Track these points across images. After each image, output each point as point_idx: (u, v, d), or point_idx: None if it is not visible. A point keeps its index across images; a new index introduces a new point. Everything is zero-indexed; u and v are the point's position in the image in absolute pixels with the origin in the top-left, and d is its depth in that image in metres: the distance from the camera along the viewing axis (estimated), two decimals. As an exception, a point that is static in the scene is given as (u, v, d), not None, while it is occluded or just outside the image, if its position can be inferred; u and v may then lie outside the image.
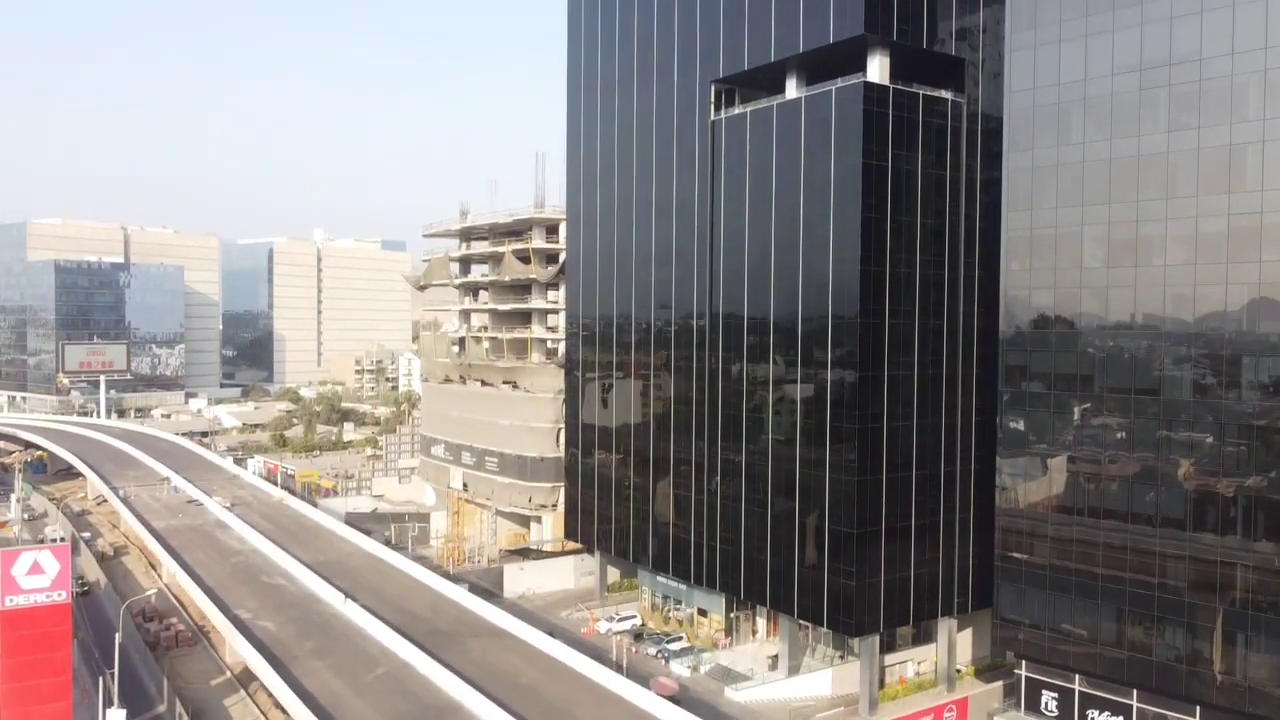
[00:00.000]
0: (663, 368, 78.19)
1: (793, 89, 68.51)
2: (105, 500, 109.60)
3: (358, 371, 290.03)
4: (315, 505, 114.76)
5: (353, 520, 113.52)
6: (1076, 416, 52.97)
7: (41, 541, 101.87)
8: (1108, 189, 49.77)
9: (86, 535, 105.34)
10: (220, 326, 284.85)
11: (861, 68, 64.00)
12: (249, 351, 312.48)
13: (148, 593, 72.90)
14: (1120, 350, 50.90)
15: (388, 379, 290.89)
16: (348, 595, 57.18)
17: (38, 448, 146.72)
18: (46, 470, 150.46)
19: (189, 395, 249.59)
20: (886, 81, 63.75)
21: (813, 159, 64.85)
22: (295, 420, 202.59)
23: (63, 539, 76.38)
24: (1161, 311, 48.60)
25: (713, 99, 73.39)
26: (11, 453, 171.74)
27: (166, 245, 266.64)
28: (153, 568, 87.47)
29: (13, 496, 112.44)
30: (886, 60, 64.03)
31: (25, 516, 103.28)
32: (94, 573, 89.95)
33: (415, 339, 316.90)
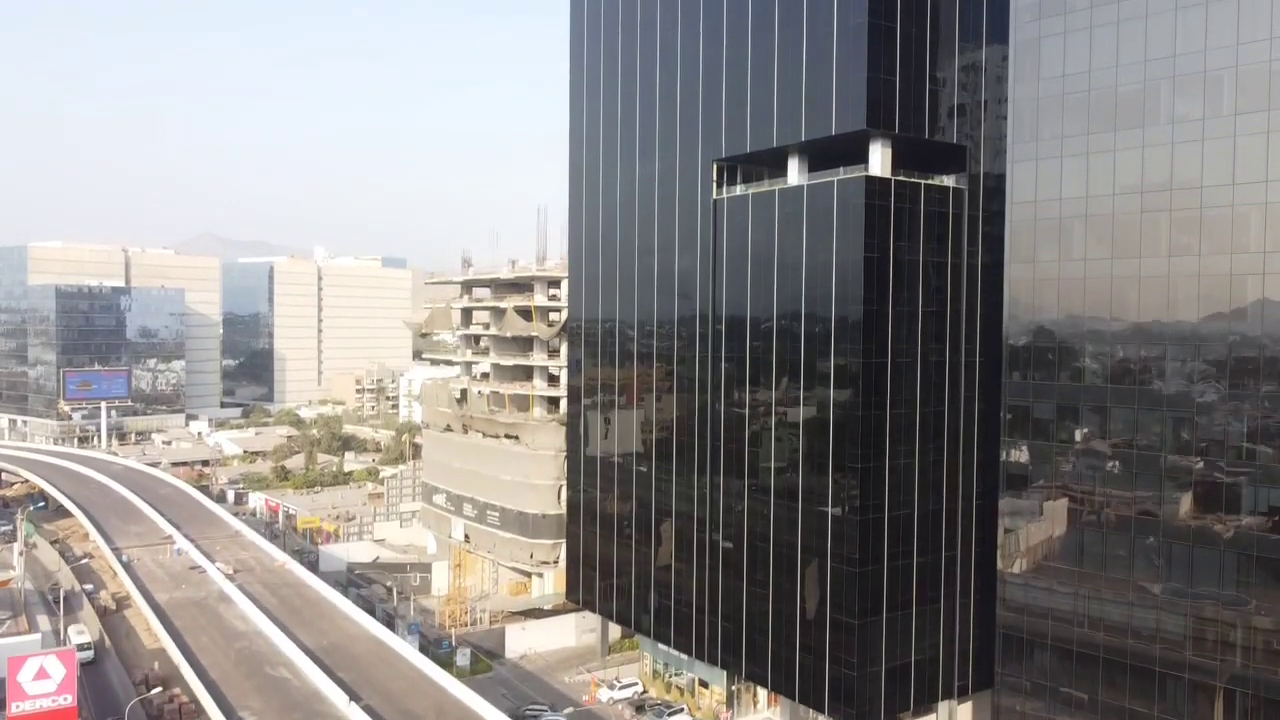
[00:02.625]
0: (663, 448, 78.35)
1: (794, 171, 68.89)
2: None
3: (358, 391, 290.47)
4: (317, 564, 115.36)
5: (355, 571, 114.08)
6: (1073, 518, 53.26)
7: (51, 589, 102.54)
8: (1109, 306, 50.06)
9: (89, 587, 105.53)
10: (220, 348, 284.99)
11: (864, 153, 64.39)
12: (249, 369, 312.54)
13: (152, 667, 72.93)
14: (1117, 466, 51.12)
15: (388, 398, 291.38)
16: (352, 697, 57.45)
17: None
18: (48, 506, 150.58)
19: (190, 417, 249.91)
20: (888, 171, 64.10)
21: (814, 247, 65.16)
22: (296, 448, 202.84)
23: (86, 645, 77.04)
24: (1160, 437, 48.85)
25: (714, 177, 73.71)
26: (14, 484, 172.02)
27: (167, 266, 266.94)
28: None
29: (14, 547, 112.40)
30: (888, 151, 64.36)
31: (26, 581, 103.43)
32: (95, 627, 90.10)
33: (415, 355, 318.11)
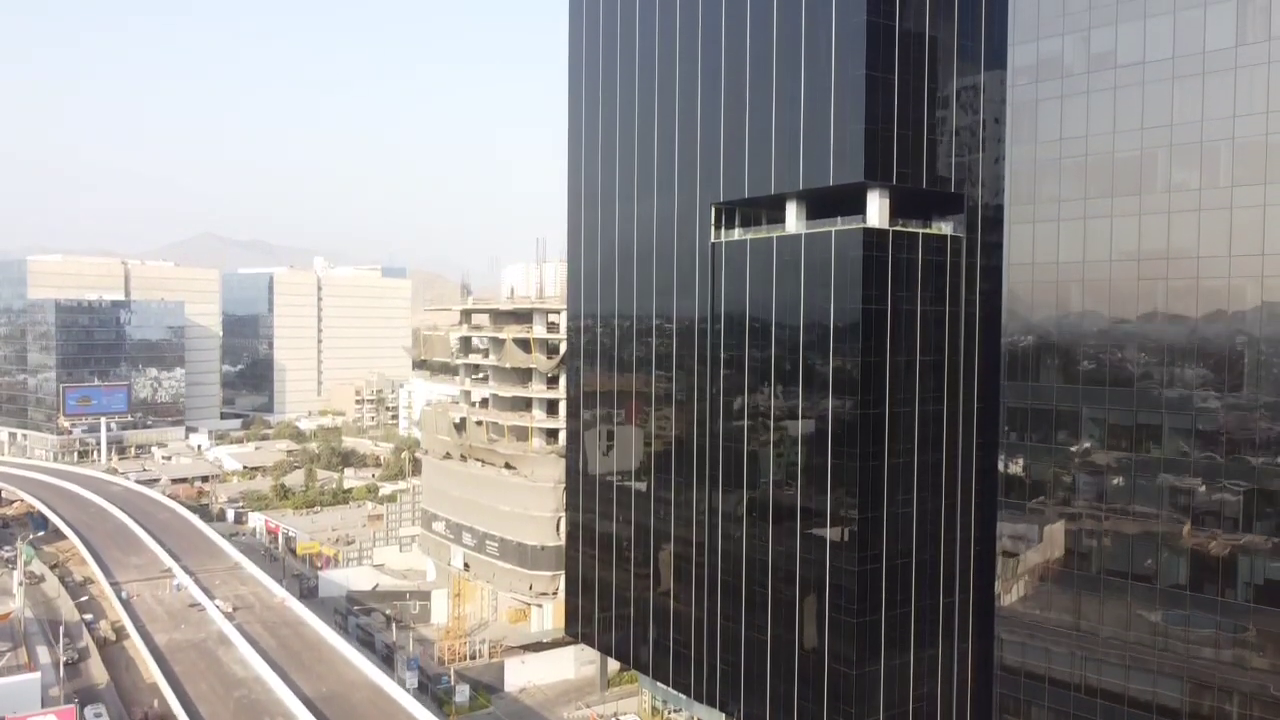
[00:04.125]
0: (661, 495, 78.35)
1: (792, 217, 68.90)
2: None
3: (358, 401, 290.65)
4: (316, 590, 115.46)
5: (354, 599, 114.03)
6: (1066, 580, 53.34)
7: (54, 625, 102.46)
8: (1106, 371, 50.11)
9: (88, 617, 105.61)
10: (220, 359, 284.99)
11: (862, 199, 64.42)
12: (249, 379, 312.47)
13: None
14: (1114, 534, 51.19)
15: (388, 408, 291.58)
16: None
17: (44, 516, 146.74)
18: (47, 527, 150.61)
19: (190, 430, 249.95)
20: (886, 222, 64.13)
21: (812, 295, 65.21)
22: (296, 464, 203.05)
23: (101, 714, 76.38)
24: (1157, 508, 48.90)
25: (713, 220, 73.75)
26: (14, 501, 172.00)
27: (167, 279, 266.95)
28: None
29: (14, 575, 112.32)
30: (886, 201, 64.40)
31: (27, 609, 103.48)
32: (97, 667, 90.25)
33: (415, 364, 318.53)
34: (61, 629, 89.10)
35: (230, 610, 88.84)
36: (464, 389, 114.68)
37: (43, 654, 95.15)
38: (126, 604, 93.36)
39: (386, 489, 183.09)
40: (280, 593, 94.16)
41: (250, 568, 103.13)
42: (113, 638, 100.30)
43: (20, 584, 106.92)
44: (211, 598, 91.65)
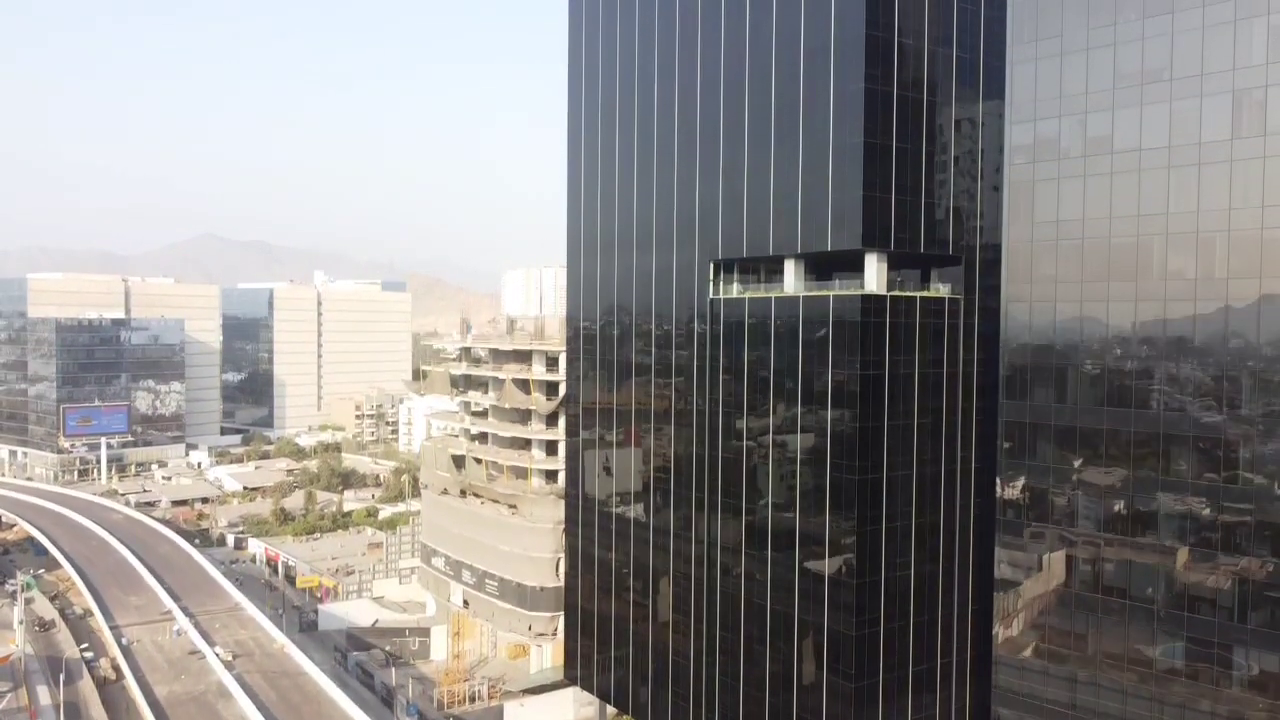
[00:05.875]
0: (661, 559, 78.45)
1: (791, 276, 68.92)
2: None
3: (358, 416, 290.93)
4: (316, 624, 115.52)
5: (354, 636, 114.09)
6: (1060, 662, 53.49)
7: (54, 662, 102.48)
8: (1102, 458, 50.25)
9: (88, 655, 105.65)
10: (220, 375, 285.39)
11: (860, 259, 64.51)
12: (249, 392, 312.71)
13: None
14: (1112, 608, 51.35)
15: (388, 423, 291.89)
16: None
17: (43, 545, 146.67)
18: (47, 553, 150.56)
19: (190, 447, 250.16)
20: (884, 286, 64.18)
21: (810, 360, 65.35)
22: (296, 484, 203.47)
23: None
24: (1152, 592, 49.06)
25: (711, 275, 73.87)
26: (14, 525, 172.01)
27: (167, 296, 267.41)
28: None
29: (15, 611, 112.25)
30: (884, 265, 64.50)
31: (27, 645, 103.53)
32: (97, 709, 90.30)
33: (415, 377, 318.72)
34: (63, 675, 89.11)
35: (230, 658, 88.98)
36: (464, 426, 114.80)
37: (43, 694, 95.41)
38: (127, 651, 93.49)
39: (386, 511, 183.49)
40: (280, 638, 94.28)
41: (250, 609, 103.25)
42: (113, 677, 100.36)
43: (20, 622, 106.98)
44: (211, 644, 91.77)
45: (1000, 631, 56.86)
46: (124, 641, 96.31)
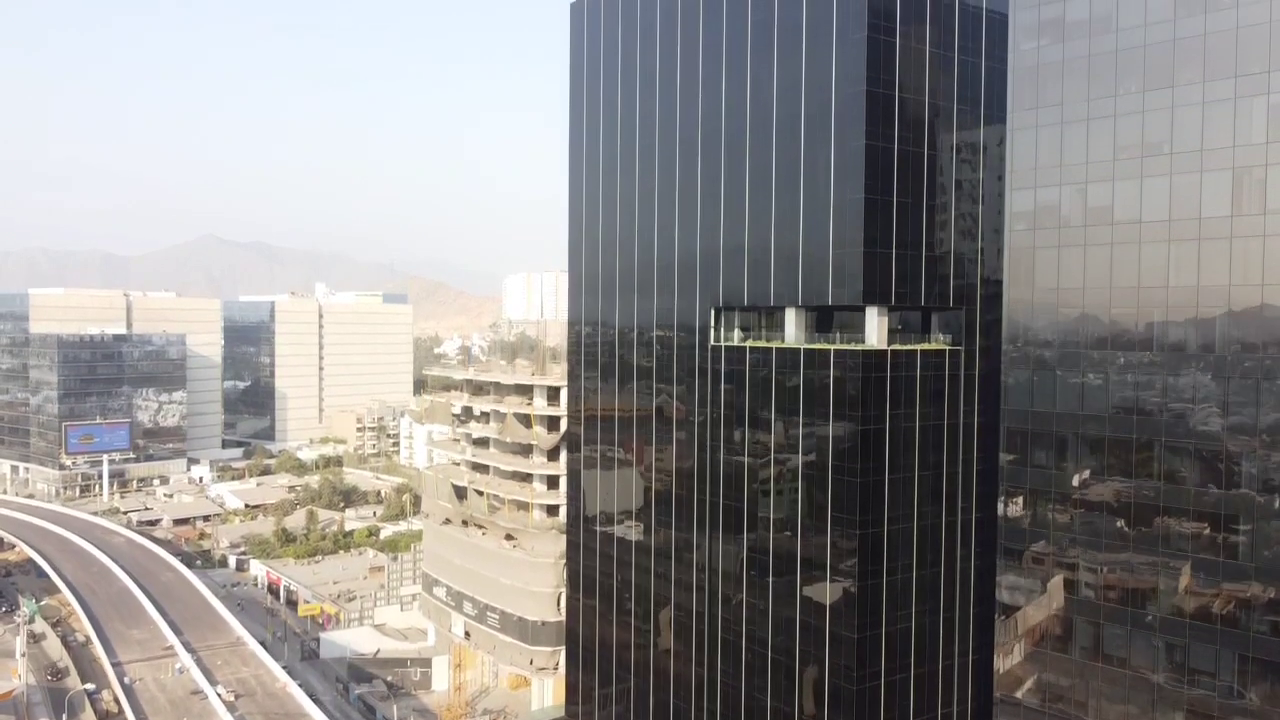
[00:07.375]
0: (662, 607, 78.55)
1: (792, 325, 69.06)
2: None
3: (359, 429, 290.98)
4: (318, 652, 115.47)
5: (356, 667, 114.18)
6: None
7: (56, 694, 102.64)
8: (1102, 522, 50.35)
9: (90, 687, 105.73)
10: (221, 389, 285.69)
11: (861, 310, 64.62)
12: (250, 404, 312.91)
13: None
14: (1113, 658, 51.47)
15: (389, 435, 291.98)
16: None
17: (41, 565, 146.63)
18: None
19: (191, 461, 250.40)
20: (885, 340, 64.36)
21: (811, 413, 65.47)
22: (297, 501, 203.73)
23: None
24: (1151, 658, 49.20)
25: (713, 323, 74.01)
26: (15, 545, 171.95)
27: (168, 310, 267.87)
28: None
29: (17, 641, 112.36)
30: (885, 319, 64.66)
31: (30, 675, 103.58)
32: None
33: (417, 389, 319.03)
34: (65, 715, 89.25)
35: (232, 699, 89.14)
36: (465, 457, 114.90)
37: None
38: (129, 691, 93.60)
39: (387, 530, 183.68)
40: (282, 676, 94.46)
41: (252, 644, 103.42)
42: (115, 710, 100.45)
43: (23, 654, 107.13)
44: (214, 683, 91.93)
45: (1000, 681, 56.82)
46: (126, 680, 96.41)
